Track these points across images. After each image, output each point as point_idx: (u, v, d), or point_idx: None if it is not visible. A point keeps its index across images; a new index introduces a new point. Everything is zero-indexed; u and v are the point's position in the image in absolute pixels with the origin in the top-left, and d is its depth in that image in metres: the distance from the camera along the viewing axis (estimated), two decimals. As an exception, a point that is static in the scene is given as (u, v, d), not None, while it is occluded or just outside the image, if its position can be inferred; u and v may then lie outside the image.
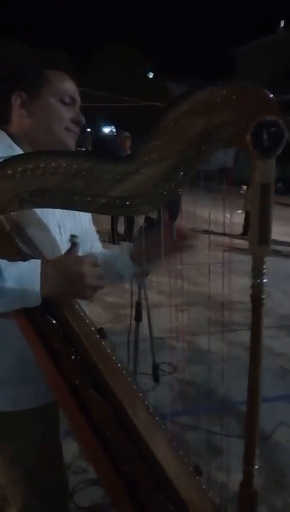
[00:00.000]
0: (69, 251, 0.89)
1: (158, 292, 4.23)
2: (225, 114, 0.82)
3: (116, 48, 22.81)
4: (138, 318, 2.08)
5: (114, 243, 6.38)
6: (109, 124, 26.36)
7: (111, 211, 0.84)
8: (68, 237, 1.01)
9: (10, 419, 0.98)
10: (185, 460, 1.04)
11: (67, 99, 1.01)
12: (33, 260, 0.83)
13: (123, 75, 21.58)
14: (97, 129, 26.75)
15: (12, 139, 0.99)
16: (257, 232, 0.88)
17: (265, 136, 0.82)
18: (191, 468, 1.03)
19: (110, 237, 6.57)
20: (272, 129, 0.82)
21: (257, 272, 0.91)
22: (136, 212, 0.85)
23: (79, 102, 1.04)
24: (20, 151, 0.98)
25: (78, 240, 0.92)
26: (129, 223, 6.76)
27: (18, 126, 1.00)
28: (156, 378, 2.49)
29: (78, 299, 0.96)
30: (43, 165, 0.79)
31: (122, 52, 22.59)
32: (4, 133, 1.00)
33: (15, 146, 0.98)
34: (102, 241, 1.31)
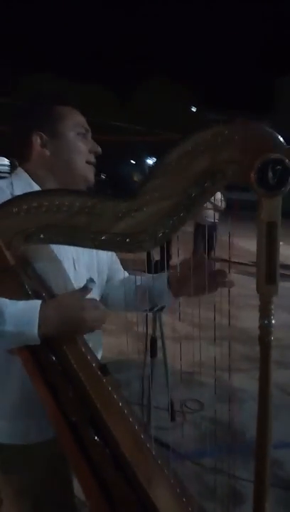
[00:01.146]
0: (76, 292, 0.89)
1: (190, 324, 4.15)
2: (228, 152, 0.82)
3: (159, 82, 23.58)
4: (153, 353, 2.03)
5: (149, 272, 6.39)
6: (151, 157, 27.03)
7: (112, 248, 0.85)
8: (83, 272, 1.02)
9: (19, 452, 0.98)
10: (190, 509, 0.98)
11: (82, 131, 1.05)
12: (32, 301, 0.85)
13: (166, 108, 22.19)
14: (141, 162, 27.46)
15: (31, 177, 1.03)
16: (264, 272, 0.86)
17: (270, 174, 0.81)
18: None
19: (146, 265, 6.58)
20: (278, 167, 0.81)
21: (265, 313, 0.88)
22: (138, 248, 0.86)
23: (90, 132, 1.08)
24: (38, 189, 1.01)
25: (92, 286, 0.92)
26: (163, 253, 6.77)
27: (39, 164, 1.03)
28: (172, 416, 2.40)
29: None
30: (46, 203, 0.82)
31: (166, 86, 23.30)
32: (23, 171, 1.04)
33: (34, 184, 1.02)
34: (139, 270, 1.28)
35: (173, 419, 2.40)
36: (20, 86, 21.21)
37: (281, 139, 0.82)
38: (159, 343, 2.50)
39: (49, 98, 1.08)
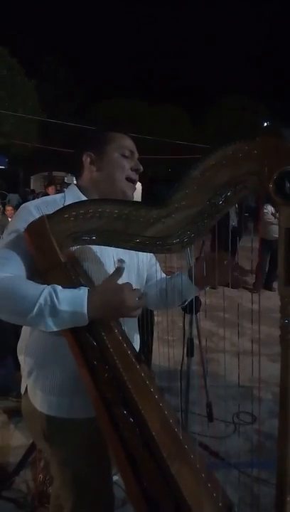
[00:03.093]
0: (112, 275, 1.03)
1: (251, 339, 4.10)
2: (248, 166, 0.92)
3: (230, 99, 23.55)
4: (190, 353, 2.14)
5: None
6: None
7: (145, 249, 0.99)
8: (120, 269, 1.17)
9: (63, 425, 1.11)
10: (214, 494, 1.06)
11: (127, 153, 1.20)
12: (82, 287, 1.00)
13: (238, 125, 22.06)
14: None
15: (81, 191, 1.20)
16: (283, 274, 0.93)
17: (287, 184, 0.90)
18: (220, 504, 1.05)
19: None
20: (295, 178, 0.89)
21: (285, 313, 0.96)
22: (167, 250, 0.98)
23: (136, 154, 1.23)
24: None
25: (123, 265, 1.06)
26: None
27: (88, 179, 1.21)
28: (210, 417, 2.45)
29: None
30: (91, 210, 0.98)
31: (237, 102, 23.21)
32: (75, 186, 1.22)
33: (82, 196, 1.18)
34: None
35: (210, 420, 2.43)
36: (97, 110, 22.46)
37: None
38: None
39: (106, 125, 1.26)
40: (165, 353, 1.60)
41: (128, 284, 1.01)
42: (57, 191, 7.67)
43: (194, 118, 23.91)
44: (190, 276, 1.22)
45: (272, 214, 6.20)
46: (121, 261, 1.09)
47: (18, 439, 2.36)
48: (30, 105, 16.80)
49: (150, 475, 0.96)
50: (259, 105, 23.71)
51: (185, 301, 1.29)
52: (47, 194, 5.74)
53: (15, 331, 2.83)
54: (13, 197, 13.28)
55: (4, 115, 14.31)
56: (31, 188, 22.90)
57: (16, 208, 11.54)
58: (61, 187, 9.36)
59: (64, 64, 23.35)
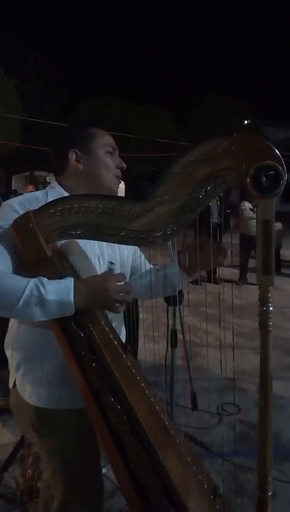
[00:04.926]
0: (101, 274, 1.06)
1: (237, 334, 4.18)
2: (227, 161, 0.97)
3: (213, 98, 23.73)
4: (173, 344, 2.20)
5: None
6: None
7: (129, 242, 1.03)
8: (106, 265, 1.20)
9: (52, 416, 1.14)
10: (200, 477, 1.10)
11: (110, 150, 1.23)
12: (68, 278, 1.03)
13: (220, 124, 22.25)
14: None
15: (64, 188, 1.22)
16: (261, 264, 0.98)
17: (263, 178, 0.94)
18: (205, 486, 1.09)
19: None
20: (271, 173, 0.94)
21: (263, 301, 1.00)
22: (151, 243, 1.02)
23: (117, 150, 1.26)
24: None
25: (114, 267, 1.10)
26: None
27: (71, 177, 1.22)
28: (194, 406, 2.53)
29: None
30: (76, 205, 1.01)
31: (220, 102, 23.41)
32: (57, 184, 1.24)
33: (65, 194, 1.19)
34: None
35: (194, 408, 2.50)
36: (81, 110, 22.33)
37: (275, 149, 0.95)
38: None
39: (83, 121, 1.28)
40: (151, 349, 1.64)
41: (114, 274, 1.04)
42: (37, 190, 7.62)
43: (178, 117, 24.01)
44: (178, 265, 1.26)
45: (250, 209, 6.32)
46: (111, 263, 1.12)
47: (5, 436, 2.37)
48: (11, 104, 16.64)
49: (138, 460, 1.00)
50: (241, 104, 23.94)
51: (175, 290, 1.33)
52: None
53: (1, 328, 2.84)
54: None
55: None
56: (13, 188, 22.67)
57: (-1, 207, 11.45)
58: (43, 186, 9.32)
59: (48, 63, 23.14)
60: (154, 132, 19.26)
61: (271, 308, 1.00)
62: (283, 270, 7.58)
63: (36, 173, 24.26)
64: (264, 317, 1.02)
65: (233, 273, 6.36)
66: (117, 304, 1.05)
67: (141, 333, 2.52)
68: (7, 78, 16.87)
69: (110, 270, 1.09)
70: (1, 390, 2.72)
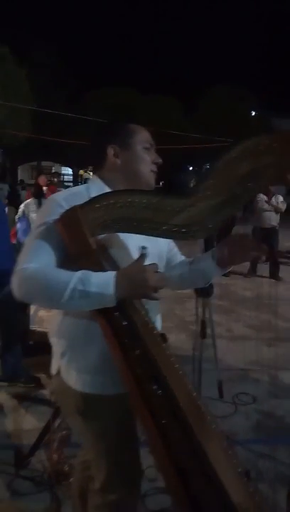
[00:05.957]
0: (137, 260, 1.10)
1: (247, 326, 4.24)
2: (268, 158, 1.00)
3: (221, 88, 23.55)
4: (202, 335, 2.25)
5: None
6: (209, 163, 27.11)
7: (171, 236, 1.07)
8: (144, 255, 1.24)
9: (97, 401, 1.20)
10: (234, 460, 1.15)
11: (147, 146, 1.27)
12: (109, 271, 1.07)
13: (228, 114, 22.10)
14: (199, 168, 27.63)
15: (104, 183, 1.25)
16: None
17: (304, 175, 0.98)
18: (239, 470, 1.15)
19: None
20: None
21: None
22: (191, 237, 1.06)
23: (154, 146, 1.29)
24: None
25: (146, 251, 1.13)
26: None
27: (110, 172, 1.26)
28: (220, 394, 2.65)
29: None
30: (121, 200, 1.05)
31: (227, 92, 23.23)
32: (98, 178, 1.28)
33: (106, 188, 1.23)
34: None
35: (221, 396, 2.56)
36: (88, 100, 22.25)
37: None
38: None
39: (123, 118, 1.32)
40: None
41: (150, 265, 1.08)
42: (49, 181, 7.63)
43: (185, 107, 23.86)
44: (213, 258, 1.30)
45: (265, 201, 6.33)
46: (143, 248, 1.16)
47: (29, 422, 2.44)
48: (22, 94, 16.58)
49: (178, 443, 1.05)
50: (249, 94, 23.74)
51: (207, 282, 1.37)
52: (39, 184, 5.71)
53: (23, 320, 2.91)
54: (4, 187, 13.26)
55: (-2, 105, 14.17)
56: (19, 178, 22.71)
57: (8, 198, 11.52)
58: (52, 177, 9.32)
59: (55, 53, 22.99)
60: (162, 123, 19.20)
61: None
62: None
63: (43, 163, 24.27)
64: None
65: (242, 265, 6.41)
66: (155, 293, 1.09)
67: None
68: (19, 67, 16.76)
69: (143, 254, 1.12)
70: (22, 377, 2.79)
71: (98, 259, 1.09)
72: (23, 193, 13.25)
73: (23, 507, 1.84)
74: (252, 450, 2.22)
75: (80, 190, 1.22)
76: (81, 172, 26.90)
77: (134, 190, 1.09)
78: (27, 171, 29.03)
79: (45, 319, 4.02)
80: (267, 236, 6.11)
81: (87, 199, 1.08)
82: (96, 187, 1.22)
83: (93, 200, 1.07)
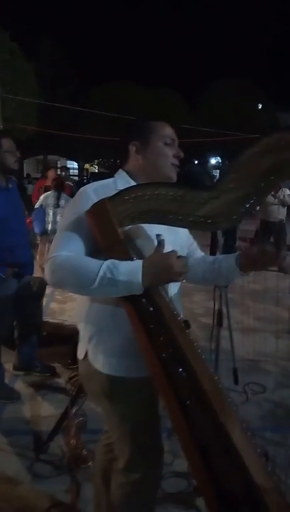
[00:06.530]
0: (157, 248, 1.15)
1: (256, 318, 4.29)
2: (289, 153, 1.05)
3: (226, 82, 23.42)
4: (219, 323, 2.32)
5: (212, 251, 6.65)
6: (216, 156, 27.04)
7: (197, 227, 1.12)
8: (168, 249, 1.30)
9: (122, 383, 1.25)
10: (253, 441, 1.21)
11: (168, 141, 1.32)
12: (136, 260, 1.13)
13: (233, 108, 22.01)
14: (205, 162, 27.57)
15: (129, 176, 1.32)
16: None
17: None
18: (258, 450, 1.20)
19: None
20: None
21: None
22: (216, 227, 1.12)
23: (177, 141, 1.35)
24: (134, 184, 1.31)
25: (163, 238, 1.19)
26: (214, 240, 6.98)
27: (134, 166, 1.33)
28: (235, 381, 2.77)
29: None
30: (149, 192, 1.11)
31: (232, 85, 23.09)
32: (123, 171, 1.34)
33: (132, 181, 1.30)
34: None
35: (236, 383, 2.63)
36: (93, 94, 22.21)
37: None
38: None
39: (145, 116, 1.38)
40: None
41: (173, 252, 1.13)
42: (57, 175, 7.67)
43: (190, 101, 23.76)
44: (236, 260, 1.36)
45: (272, 195, 6.35)
46: (158, 235, 1.21)
47: (46, 409, 2.52)
48: (30, 88, 16.64)
49: (202, 425, 1.10)
50: (254, 89, 23.58)
51: (228, 282, 1.44)
52: (58, 178, 5.77)
53: (38, 311, 2.97)
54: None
55: (6, 99, 14.20)
56: (25, 172, 22.76)
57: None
58: (61, 171, 9.35)
59: (61, 47, 22.98)
60: (167, 117, 19.11)
61: None
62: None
63: (49, 157, 24.30)
64: None
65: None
66: (179, 277, 1.15)
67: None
68: (27, 62, 16.78)
69: (160, 241, 1.16)
70: (38, 367, 2.86)
71: (125, 248, 1.15)
72: (30, 187, 13.31)
73: (44, 489, 1.92)
74: (264, 437, 2.28)
75: (108, 183, 1.29)
76: (86, 166, 26.94)
77: (160, 183, 1.14)
78: (32, 164, 29.08)
79: (57, 311, 4.10)
80: (274, 230, 6.14)
81: (114, 192, 1.14)
82: (122, 180, 1.29)
83: (121, 193, 1.12)
